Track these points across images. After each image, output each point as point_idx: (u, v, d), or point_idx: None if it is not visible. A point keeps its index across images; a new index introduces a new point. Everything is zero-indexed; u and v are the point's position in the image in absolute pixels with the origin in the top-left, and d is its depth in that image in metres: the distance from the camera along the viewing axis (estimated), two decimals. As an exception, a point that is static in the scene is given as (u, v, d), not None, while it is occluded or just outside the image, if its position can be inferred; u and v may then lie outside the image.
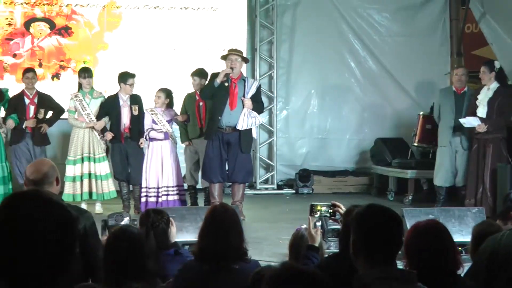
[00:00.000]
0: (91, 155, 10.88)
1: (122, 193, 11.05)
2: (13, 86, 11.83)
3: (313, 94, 14.65)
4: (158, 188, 10.77)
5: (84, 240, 4.55)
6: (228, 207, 4.65)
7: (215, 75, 10.39)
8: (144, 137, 10.85)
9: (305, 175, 13.98)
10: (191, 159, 11.26)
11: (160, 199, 10.73)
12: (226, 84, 10.29)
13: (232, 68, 10.27)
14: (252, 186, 13.91)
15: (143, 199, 10.85)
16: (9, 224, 2.11)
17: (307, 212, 5.08)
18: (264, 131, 14.41)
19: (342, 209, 5.05)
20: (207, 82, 10.83)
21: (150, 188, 10.80)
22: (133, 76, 11.02)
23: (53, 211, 2.15)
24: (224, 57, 10.54)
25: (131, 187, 11.08)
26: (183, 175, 11.22)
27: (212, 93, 10.36)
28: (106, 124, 10.98)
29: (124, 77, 10.98)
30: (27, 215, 2.11)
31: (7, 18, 13.29)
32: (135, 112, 10.90)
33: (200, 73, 11.20)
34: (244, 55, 12.38)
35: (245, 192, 10.91)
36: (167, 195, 10.79)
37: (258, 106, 10.52)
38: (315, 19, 14.44)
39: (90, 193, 10.92)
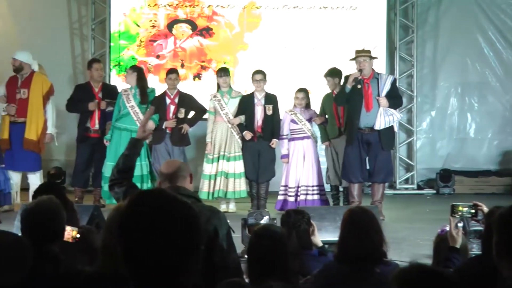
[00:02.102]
0: (227, 154, 11.02)
1: (251, 192, 11.13)
2: (156, 86, 12.11)
3: (453, 93, 14.39)
4: (297, 187, 10.86)
5: (213, 241, 4.55)
6: (366, 208, 4.63)
7: (347, 78, 10.32)
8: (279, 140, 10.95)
9: (446, 175, 13.76)
10: (332, 159, 11.25)
11: (298, 198, 10.80)
12: (359, 86, 10.19)
13: (360, 70, 10.18)
14: (392, 186, 13.79)
15: (280, 197, 10.98)
16: (133, 221, 2.15)
17: (448, 213, 4.99)
18: (404, 130, 14.25)
19: (485, 209, 4.93)
20: (341, 82, 10.84)
21: (290, 188, 10.89)
22: (258, 72, 11.09)
23: (178, 209, 2.19)
24: (352, 59, 10.49)
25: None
26: (326, 175, 11.25)
27: (346, 98, 10.31)
28: (242, 122, 11.04)
29: (252, 75, 11.09)
30: (151, 212, 2.15)
31: (151, 20, 13.65)
32: (269, 112, 10.94)
33: (331, 73, 11.21)
34: (383, 54, 12.32)
35: (384, 192, 10.84)
36: (306, 194, 10.85)
37: (395, 102, 10.38)
38: (456, 16, 14.21)
39: (225, 192, 11.06)
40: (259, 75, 11.01)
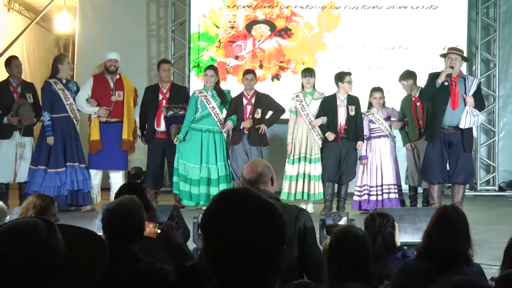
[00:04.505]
0: (308, 155, 10.99)
1: (326, 193, 11.05)
2: (235, 87, 12.15)
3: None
4: (377, 186, 10.80)
5: (303, 238, 4.61)
6: (460, 209, 4.58)
7: (432, 76, 10.20)
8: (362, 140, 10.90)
9: (528, 177, 13.55)
10: (412, 160, 11.13)
11: (379, 197, 10.75)
12: (446, 83, 10.07)
13: (452, 67, 10.06)
14: (472, 187, 13.61)
15: (358, 198, 10.97)
16: (219, 221, 2.14)
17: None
18: (485, 131, 14.03)
19: None
20: (416, 83, 10.75)
21: (370, 186, 10.84)
22: (349, 74, 11.04)
23: (262, 209, 2.17)
24: (443, 56, 10.35)
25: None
26: (406, 175, 11.15)
27: (433, 94, 10.19)
28: (324, 123, 10.99)
29: (341, 76, 11.00)
30: (235, 210, 2.14)
31: (230, 21, 13.72)
32: (352, 113, 10.89)
33: (405, 75, 11.09)
34: (464, 53, 12.12)
35: (465, 193, 10.68)
36: (388, 193, 10.78)
37: (479, 104, 10.23)
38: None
39: (303, 193, 11.02)
40: (350, 77, 10.98)
